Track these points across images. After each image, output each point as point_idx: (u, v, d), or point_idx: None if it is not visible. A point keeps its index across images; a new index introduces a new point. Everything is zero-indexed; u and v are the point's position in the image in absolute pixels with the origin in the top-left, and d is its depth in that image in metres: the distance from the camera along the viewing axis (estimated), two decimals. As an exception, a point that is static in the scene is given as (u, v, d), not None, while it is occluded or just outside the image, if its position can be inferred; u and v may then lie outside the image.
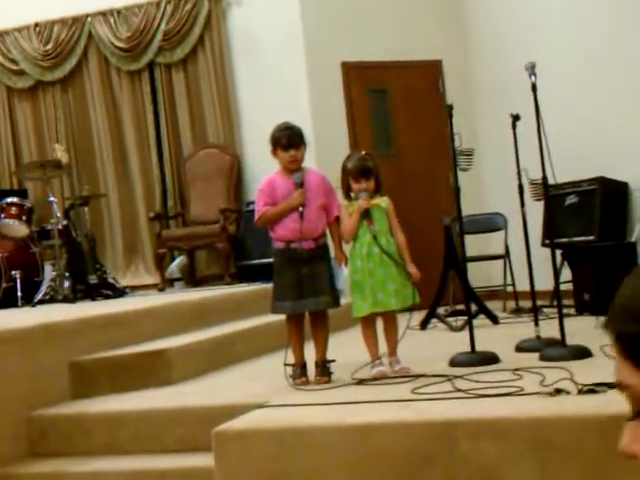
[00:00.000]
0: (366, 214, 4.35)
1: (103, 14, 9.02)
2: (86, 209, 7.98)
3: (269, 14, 8.38)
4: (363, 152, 4.60)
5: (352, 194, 4.43)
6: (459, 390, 3.68)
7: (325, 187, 4.43)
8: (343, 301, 4.52)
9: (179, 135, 8.90)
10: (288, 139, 4.33)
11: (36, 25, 9.28)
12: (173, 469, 3.89)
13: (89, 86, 9.24)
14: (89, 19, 9.06)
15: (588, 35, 7.43)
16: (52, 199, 7.54)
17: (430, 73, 8.53)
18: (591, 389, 3.36)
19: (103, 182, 9.20)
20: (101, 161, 9.22)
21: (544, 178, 4.49)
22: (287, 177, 4.35)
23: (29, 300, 7.11)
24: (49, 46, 9.25)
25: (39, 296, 7.14)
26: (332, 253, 4.43)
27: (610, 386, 3.38)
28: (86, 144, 9.28)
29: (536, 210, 6.47)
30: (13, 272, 7.26)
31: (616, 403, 3.12)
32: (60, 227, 7.41)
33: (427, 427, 3.25)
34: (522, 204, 4.96)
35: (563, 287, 5.43)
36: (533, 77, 4.52)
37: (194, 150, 8.76)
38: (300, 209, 4.27)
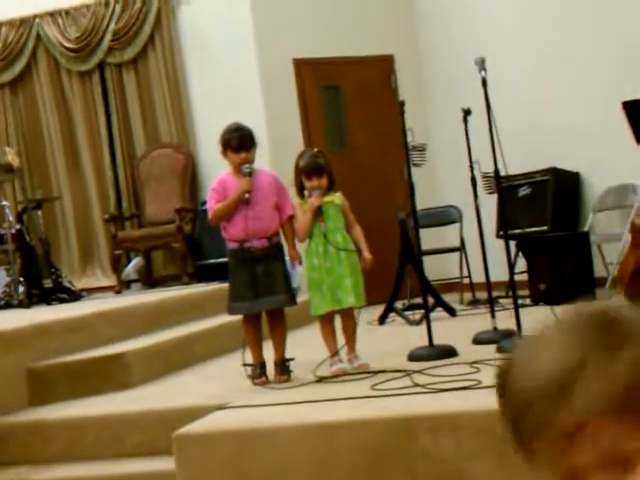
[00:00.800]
0: (319, 212, 4.37)
1: (51, 15, 8.92)
2: (39, 212, 7.90)
3: (219, 11, 8.34)
4: (315, 149, 4.61)
5: (305, 192, 4.44)
6: (418, 385, 3.71)
7: (277, 187, 4.44)
8: (299, 299, 4.53)
9: (132, 135, 8.84)
10: (239, 141, 4.33)
11: (-17, 27, 9.16)
12: (135, 474, 3.88)
13: (39, 88, 9.14)
14: (37, 20, 8.95)
15: (536, 29, 7.50)
16: (4, 203, 7.45)
17: (382, 68, 8.55)
18: (548, 380, 3.39)
19: (56, 185, 9.11)
20: (53, 164, 9.13)
21: (496, 171, 4.54)
22: (238, 178, 4.34)
23: (-17, 306, 7.03)
24: (-3, 48, 9.14)
25: (-6, 302, 7.05)
26: (286, 252, 4.43)
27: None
28: (38, 147, 9.18)
29: (490, 202, 6.52)
30: (-34, 278, 7.17)
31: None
32: (13, 231, 7.32)
33: (387, 423, 3.27)
34: (475, 197, 5.00)
35: (518, 277, 5.51)
36: (483, 72, 4.56)
37: (147, 150, 8.70)
38: (246, 196, 4.25)
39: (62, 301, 7.24)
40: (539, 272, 6.43)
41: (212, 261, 7.90)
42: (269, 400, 3.83)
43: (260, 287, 4.30)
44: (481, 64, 4.58)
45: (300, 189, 4.45)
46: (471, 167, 5.08)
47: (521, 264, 6.70)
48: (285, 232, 4.43)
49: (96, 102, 8.91)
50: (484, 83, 4.56)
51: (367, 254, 4.38)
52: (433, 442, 3.17)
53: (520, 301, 5.63)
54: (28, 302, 6.94)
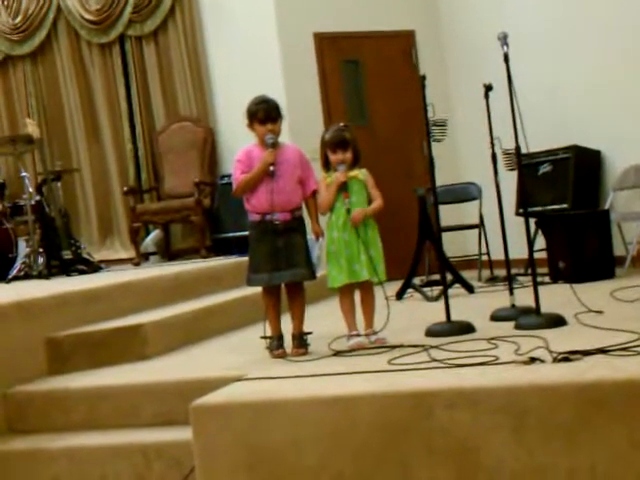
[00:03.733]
0: (343, 187, 4.36)
1: (72, -14, 8.91)
2: (59, 184, 7.93)
3: (240, -16, 8.32)
4: (342, 124, 4.59)
5: (330, 166, 4.44)
6: (435, 360, 3.71)
7: (302, 161, 4.43)
8: (319, 273, 4.52)
9: (151, 108, 8.85)
10: (265, 113, 4.32)
11: (4, -2, 9.17)
12: (152, 443, 3.90)
13: (59, 60, 9.15)
14: (58, -9, 8.96)
15: (560, 4, 7.43)
16: (24, 174, 7.48)
17: (403, 43, 8.51)
18: (566, 357, 3.39)
19: (76, 157, 9.14)
20: (73, 135, 9.15)
21: (517, 147, 4.50)
22: (264, 149, 4.33)
23: (3, 277, 7.06)
24: (18, 19, 9.15)
25: (13, 272, 7.09)
26: (309, 226, 4.43)
27: (585, 354, 3.42)
28: (58, 118, 9.21)
29: (510, 179, 6.49)
30: (-14, 249, 7.21)
31: (590, 371, 3.16)
32: (33, 203, 7.35)
33: (404, 397, 3.27)
34: (495, 173, 4.98)
35: (538, 255, 5.47)
36: (505, 47, 4.51)
37: (167, 123, 8.71)
38: (271, 168, 4.25)
39: (81, 272, 7.28)
40: (558, 250, 6.40)
41: (230, 235, 7.93)
42: (286, 372, 3.83)
43: (280, 260, 4.30)
44: (504, 39, 4.53)
45: (325, 162, 4.45)
46: (492, 143, 5.05)
47: (540, 242, 6.67)
48: (308, 207, 4.43)
49: (116, 75, 8.92)
50: (506, 59, 4.51)
51: (317, 228, 4.38)
52: (449, 417, 3.17)
53: (539, 279, 5.62)
54: (47, 273, 6.98)
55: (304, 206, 4.44)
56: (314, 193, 4.42)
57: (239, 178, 4.35)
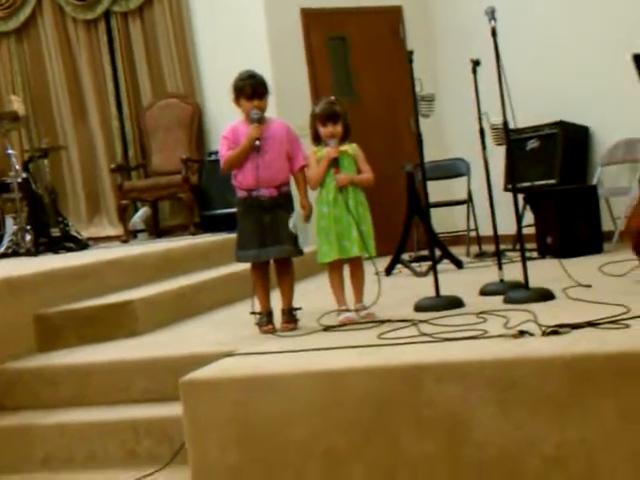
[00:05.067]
0: (334, 162, 4.36)
1: (57, -39, 8.84)
2: (46, 161, 7.89)
3: (227, -41, 8.26)
4: (332, 97, 4.58)
5: (321, 139, 4.43)
6: (424, 334, 3.71)
7: (290, 136, 4.41)
8: (307, 249, 4.52)
9: (138, 85, 8.80)
10: (252, 88, 4.30)
11: (-12, -26, 9.09)
12: (142, 419, 3.91)
13: (44, 36, 9.09)
14: (42, -33, 8.88)
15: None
16: (10, 152, 7.43)
17: (390, 19, 8.47)
18: (554, 330, 3.40)
19: (62, 134, 9.09)
20: (59, 112, 9.10)
21: (505, 122, 4.50)
22: (250, 125, 4.31)
23: (-10, 255, 7.05)
24: (2, -4, 9.07)
25: (1, 250, 7.07)
26: (297, 203, 4.42)
27: (573, 327, 3.44)
28: (43, 95, 9.15)
29: (498, 155, 6.50)
30: (-27, 226, 7.18)
31: (579, 344, 3.18)
32: (20, 180, 7.31)
33: (393, 371, 3.28)
34: (483, 148, 4.98)
35: (526, 231, 5.49)
36: (493, 22, 4.50)
37: (153, 100, 8.66)
38: (257, 143, 4.24)
39: (69, 250, 7.26)
40: (546, 225, 6.42)
41: (218, 211, 7.92)
42: (276, 348, 3.83)
43: (267, 236, 4.30)
44: (491, 14, 4.52)
45: (315, 136, 4.44)
46: (480, 119, 5.05)
47: (528, 217, 6.68)
48: (297, 182, 4.42)
49: (102, 51, 8.87)
50: (494, 33, 4.50)
51: (307, 203, 4.38)
52: (438, 391, 3.18)
53: (527, 254, 5.64)
54: (35, 250, 6.96)
55: (293, 181, 4.43)
56: (302, 168, 4.40)
57: (225, 155, 4.34)
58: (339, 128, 4.38)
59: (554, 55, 7.36)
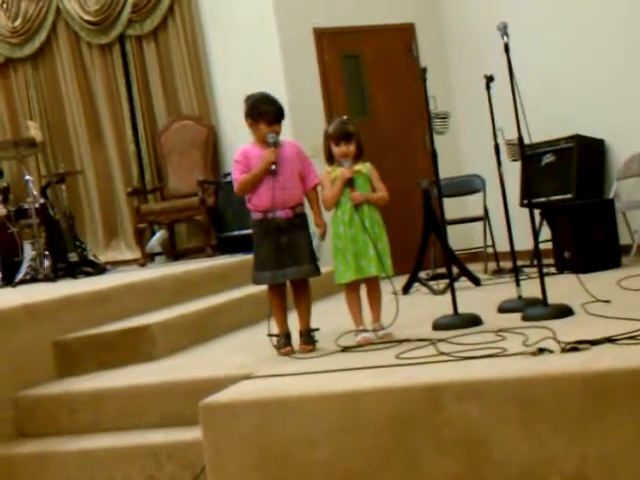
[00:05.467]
0: (349, 182, 4.36)
1: (71, -12, 8.91)
2: (63, 186, 7.93)
3: (238, -18, 8.31)
4: (344, 117, 4.59)
5: (334, 159, 4.43)
6: (443, 353, 3.70)
7: (301, 156, 4.42)
8: (324, 269, 4.52)
9: (153, 108, 8.84)
10: (275, 114, 4.32)
11: (3, 2, 9.17)
12: (162, 444, 3.91)
13: (60, 62, 9.16)
14: (56, -6, 8.95)
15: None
16: (28, 178, 7.47)
17: (403, 37, 8.49)
18: (574, 347, 3.38)
19: (79, 158, 9.14)
20: (75, 137, 9.15)
21: (520, 138, 4.48)
22: (262, 148, 4.33)
23: (10, 281, 7.07)
24: (17, 22, 9.15)
25: (20, 276, 7.09)
26: (311, 221, 4.42)
27: (593, 343, 3.41)
28: (60, 121, 9.21)
29: (513, 171, 6.49)
30: (-8, 253, 7.22)
31: (599, 360, 3.15)
32: (37, 206, 7.34)
33: (412, 391, 3.26)
34: (499, 164, 4.97)
35: (543, 246, 5.46)
36: (505, 37, 4.50)
37: (168, 122, 8.70)
38: (272, 167, 4.25)
39: (87, 274, 7.28)
40: (564, 240, 6.39)
41: (235, 233, 7.92)
42: (294, 369, 3.83)
43: (284, 257, 4.30)
44: (503, 30, 4.51)
45: (328, 156, 4.44)
46: (494, 134, 5.04)
47: (545, 233, 6.65)
48: (310, 201, 4.42)
49: (117, 75, 8.92)
50: (507, 49, 4.50)
51: (321, 222, 4.38)
52: (458, 410, 3.16)
53: (545, 270, 5.60)
54: (54, 276, 6.97)
55: (306, 201, 4.43)
56: (315, 187, 4.41)
57: (239, 178, 4.35)
58: (352, 147, 4.39)
59: (567, 69, 7.35)
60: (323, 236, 4.37)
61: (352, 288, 4.43)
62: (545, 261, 5.48)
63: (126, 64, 8.89)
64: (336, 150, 4.40)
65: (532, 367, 3.24)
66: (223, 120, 8.46)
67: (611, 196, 6.85)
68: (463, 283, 6.27)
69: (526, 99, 4.46)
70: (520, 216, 5.77)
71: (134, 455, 3.92)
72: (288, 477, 3.37)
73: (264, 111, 4.32)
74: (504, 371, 3.25)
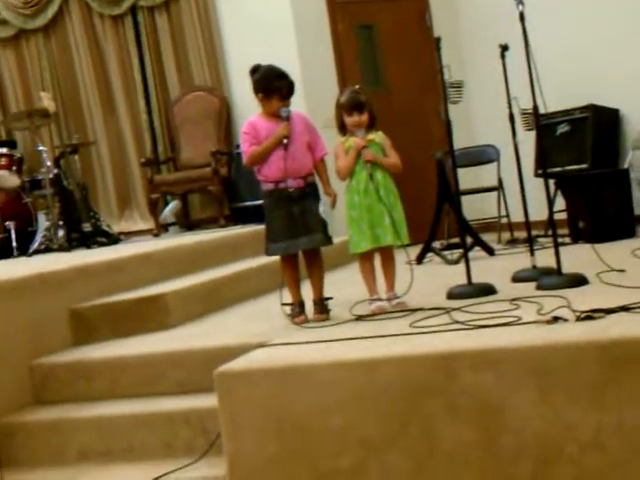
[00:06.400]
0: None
1: (82, -42, 8.88)
2: (76, 157, 7.94)
3: (252, -49, 8.25)
4: (356, 86, 4.58)
5: (347, 129, 4.42)
6: (457, 322, 3.70)
7: (308, 126, 4.43)
8: (336, 239, 4.52)
9: (165, 79, 8.82)
10: (288, 88, 4.31)
11: (15, -27, 9.14)
12: (178, 410, 3.93)
13: (72, 33, 9.13)
14: (68, -37, 8.92)
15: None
16: (41, 148, 7.50)
17: (417, 6, 8.43)
18: (588, 315, 3.38)
19: (92, 129, 9.14)
20: (88, 108, 9.15)
21: (535, 107, 4.46)
22: (269, 120, 4.32)
23: (24, 251, 7.11)
24: (29, -7, 9.13)
25: (34, 246, 7.14)
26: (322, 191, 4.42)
27: (607, 312, 3.41)
28: (72, 91, 9.20)
29: (528, 141, 6.45)
30: (7, 223, 7.25)
31: (613, 328, 3.15)
32: (51, 176, 7.38)
33: (427, 360, 3.27)
34: (514, 134, 4.94)
35: (558, 216, 5.45)
36: (521, 6, 4.46)
37: (181, 93, 8.68)
38: (285, 141, 4.25)
39: (101, 244, 7.31)
40: (578, 210, 6.37)
41: (248, 203, 7.92)
42: (308, 338, 3.84)
43: (297, 227, 4.30)
44: (519, -2, 4.48)
45: (341, 126, 4.43)
46: (509, 104, 5.01)
47: (560, 203, 6.63)
48: (319, 171, 4.42)
49: (129, 46, 8.89)
50: (522, 18, 4.46)
51: (331, 191, 4.37)
52: (473, 378, 3.17)
53: (559, 240, 5.58)
54: (68, 246, 7.02)
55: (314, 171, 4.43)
56: (323, 157, 4.41)
57: (249, 150, 4.34)
58: (365, 117, 4.37)
59: (583, 38, 7.29)
60: (333, 205, 4.36)
61: (366, 257, 4.43)
62: (560, 231, 5.47)
63: (138, 35, 8.86)
64: (349, 120, 4.39)
65: (547, 335, 3.25)
66: (236, 91, 8.43)
67: (626, 166, 6.82)
68: (477, 253, 6.27)
69: (541, 69, 4.43)
70: (534, 186, 5.75)
71: (150, 422, 3.95)
72: (303, 444, 3.39)
73: (277, 86, 4.31)
74: (519, 339, 3.25)
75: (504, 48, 5.05)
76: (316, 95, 7.36)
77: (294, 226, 4.31)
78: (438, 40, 4.71)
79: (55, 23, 9.18)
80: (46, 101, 7.59)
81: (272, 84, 4.31)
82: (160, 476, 3.66)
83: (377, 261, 4.48)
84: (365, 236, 4.32)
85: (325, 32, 8.15)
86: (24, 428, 4.16)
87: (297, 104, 4.50)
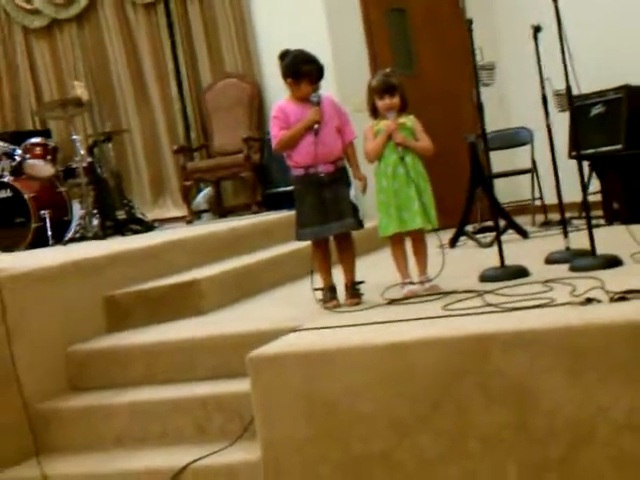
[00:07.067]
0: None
1: (114, -53, 8.91)
2: (110, 145, 8.00)
3: (282, -63, 8.23)
4: (388, 69, 4.56)
5: (378, 113, 4.41)
6: (490, 304, 3.69)
7: (338, 110, 4.41)
8: (368, 224, 4.51)
9: (197, 66, 8.83)
10: (318, 73, 4.30)
11: (48, -37, 9.20)
12: (212, 395, 3.96)
13: (105, 22, 9.18)
14: (101, -47, 8.96)
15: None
16: (75, 137, 7.56)
17: (449, -12, 8.37)
18: (622, 297, 3.35)
19: (125, 117, 9.18)
20: (121, 96, 9.19)
21: (568, 88, 4.41)
22: (298, 105, 4.32)
23: (60, 239, 7.18)
24: (62, -17, 9.18)
25: (69, 234, 7.20)
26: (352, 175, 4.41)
27: (642, 293, 3.38)
28: (105, 80, 9.25)
29: (562, 123, 6.39)
30: (42, 212, 7.31)
31: (647, 308, 3.12)
32: (85, 165, 7.43)
33: (459, 342, 3.27)
34: (546, 115, 4.90)
35: (592, 198, 5.40)
36: (554, -13, 4.42)
37: (213, 81, 8.70)
38: (315, 126, 4.24)
39: (135, 232, 7.36)
40: (613, 192, 6.31)
41: (281, 189, 7.92)
42: (341, 322, 3.84)
43: (328, 211, 4.29)
44: (552, -22, 4.44)
45: (373, 110, 4.42)
46: (542, 85, 4.97)
47: (594, 184, 6.57)
48: (348, 156, 4.40)
49: (161, 34, 8.92)
50: (555, -1, 4.42)
51: (361, 175, 4.35)
52: (506, 360, 3.16)
53: (594, 221, 5.52)
54: (103, 233, 7.07)
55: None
56: (352, 141, 4.39)
57: (278, 135, 4.34)
58: (396, 100, 4.35)
59: (617, 17, 7.21)
60: (364, 189, 4.35)
61: (397, 241, 4.41)
62: (594, 213, 5.41)
63: (170, 23, 8.88)
64: (380, 103, 4.37)
65: (580, 317, 3.22)
66: (267, 77, 8.42)
67: (661, 146, 6.73)
68: (511, 236, 6.23)
69: (576, 48, 4.38)
70: (569, 168, 5.68)
71: (184, 407, 3.98)
72: (336, 427, 3.40)
73: (306, 71, 4.30)
74: (552, 321, 3.24)
75: (537, 29, 5.01)
76: (347, 79, 7.34)
77: (325, 211, 4.31)
78: (470, 22, 4.67)
79: (88, 12, 9.23)
80: (79, 90, 7.64)
81: (301, 68, 4.31)
82: (194, 460, 3.69)
83: (409, 245, 4.47)
84: (392, 220, 4.30)
85: (356, 16, 8.12)
86: (60, 415, 4.21)
87: (328, 88, 4.48)
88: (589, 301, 3.39)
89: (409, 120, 4.42)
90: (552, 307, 3.46)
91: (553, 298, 3.57)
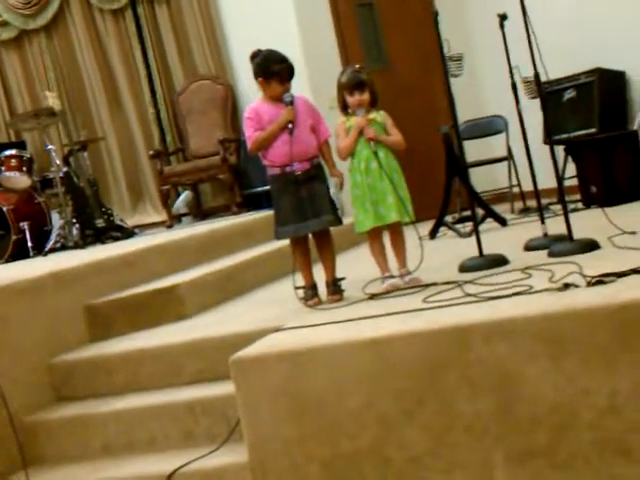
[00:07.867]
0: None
1: (79, -47, 8.88)
2: (85, 154, 7.97)
3: None
4: (357, 65, 4.56)
5: (349, 109, 4.41)
6: (469, 295, 3.70)
7: (311, 109, 4.42)
8: (346, 220, 4.52)
9: (169, 70, 8.82)
10: (288, 72, 4.31)
11: (14, -27, 9.15)
12: (197, 399, 3.96)
13: (74, 30, 9.15)
14: (65, -40, 8.93)
15: None
16: (50, 147, 7.54)
17: (416, -20, 8.37)
18: (600, 280, 3.37)
19: (99, 125, 9.16)
20: (95, 104, 9.16)
21: (536, 74, 4.43)
22: (271, 105, 4.32)
23: (40, 250, 7.15)
24: (29, -7, 9.14)
25: (50, 245, 7.18)
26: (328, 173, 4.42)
27: (619, 275, 3.40)
28: (78, 89, 9.22)
29: (536, 108, 6.40)
30: (21, 224, 7.29)
31: (625, 292, 3.14)
32: (61, 175, 7.41)
33: (440, 334, 3.27)
34: (517, 102, 4.92)
35: (570, 182, 5.42)
36: (518, -27, 4.43)
37: (186, 83, 8.68)
38: (290, 126, 4.25)
39: (116, 239, 7.34)
40: (589, 175, 6.34)
41: (259, 189, 7.92)
42: (323, 320, 3.84)
43: (306, 209, 4.30)
44: (517, -36, 4.45)
45: (343, 106, 4.42)
46: (511, 73, 4.99)
47: (571, 169, 6.60)
48: (323, 153, 4.41)
49: (131, 39, 8.90)
50: (519, -15, 4.43)
51: (338, 172, 4.36)
52: (487, 350, 3.17)
53: (572, 205, 5.54)
54: (83, 242, 7.05)
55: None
56: (327, 139, 4.40)
57: (253, 136, 4.34)
58: (366, 96, 4.35)
59: (587, 1, 7.23)
60: (341, 186, 4.36)
61: (374, 236, 4.42)
62: (573, 197, 5.44)
63: (139, 28, 8.86)
64: (350, 100, 4.38)
65: (558, 303, 3.23)
66: (240, 78, 8.42)
67: (635, 128, 6.77)
68: (490, 224, 6.25)
69: (543, 34, 4.39)
70: (545, 154, 5.70)
71: (171, 412, 3.98)
72: (322, 426, 3.40)
73: (277, 70, 4.31)
74: (530, 308, 3.25)
75: (502, 17, 5.02)
76: (320, 76, 7.34)
77: (302, 209, 4.31)
78: (435, 14, 4.68)
79: (56, 22, 9.20)
80: (51, 100, 7.60)
81: (271, 68, 4.31)
82: (183, 465, 3.69)
83: (387, 239, 4.48)
84: (369, 215, 4.31)
85: (326, 12, 8.12)
86: (47, 426, 4.20)
87: (301, 86, 4.49)
88: (567, 286, 3.41)
89: (379, 115, 4.43)
90: (531, 294, 3.47)
91: (532, 285, 3.59)
